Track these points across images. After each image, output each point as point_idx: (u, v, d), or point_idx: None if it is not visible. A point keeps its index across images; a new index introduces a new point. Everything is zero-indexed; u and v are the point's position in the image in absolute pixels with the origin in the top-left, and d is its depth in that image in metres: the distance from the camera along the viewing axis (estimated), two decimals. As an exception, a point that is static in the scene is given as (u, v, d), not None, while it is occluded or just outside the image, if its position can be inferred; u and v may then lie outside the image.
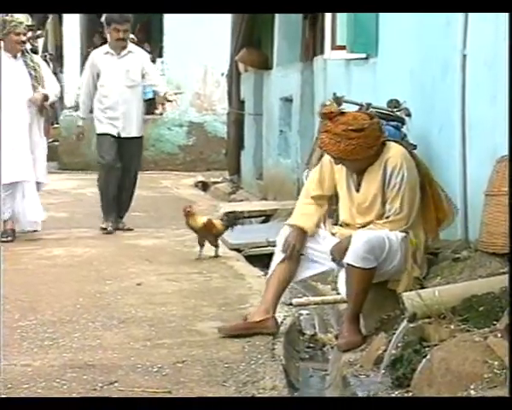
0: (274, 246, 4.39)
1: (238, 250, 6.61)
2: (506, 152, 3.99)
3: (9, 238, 7.01)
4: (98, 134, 7.64)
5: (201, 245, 6.22)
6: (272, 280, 4.22)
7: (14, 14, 7.17)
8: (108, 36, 7.72)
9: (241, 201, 9.56)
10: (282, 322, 4.37)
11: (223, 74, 12.70)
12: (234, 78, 11.24)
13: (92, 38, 14.21)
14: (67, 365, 3.81)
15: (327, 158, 4.19)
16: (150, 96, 8.12)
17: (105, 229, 7.40)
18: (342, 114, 4.08)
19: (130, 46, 7.69)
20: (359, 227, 4.04)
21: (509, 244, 3.39)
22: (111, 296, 5.12)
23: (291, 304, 4.77)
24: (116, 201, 7.61)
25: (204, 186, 11.54)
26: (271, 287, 4.21)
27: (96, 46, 12.93)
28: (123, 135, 7.54)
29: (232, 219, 6.53)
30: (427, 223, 4.15)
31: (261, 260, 6.00)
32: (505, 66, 4.20)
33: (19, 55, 7.15)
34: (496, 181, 3.90)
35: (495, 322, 3.10)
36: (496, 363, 2.80)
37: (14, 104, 6.96)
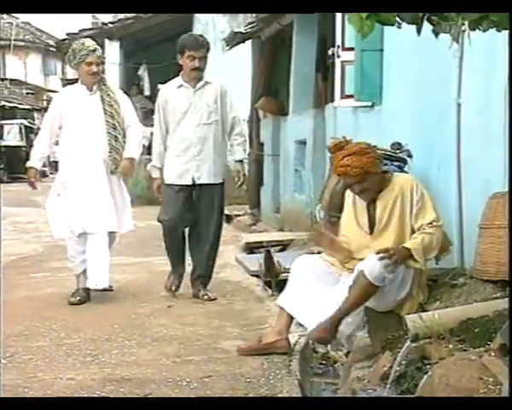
0: (289, 273, 4.37)
1: (258, 276, 6.59)
2: (498, 189, 3.99)
3: (79, 299, 5.50)
4: (167, 185, 5.70)
5: None
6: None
7: (85, 41, 5.65)
8: (183, 65, 5.73)
9: (261, 232, 9.55)
10: (296, 341, 4.35)
11: (244, 120, 12.76)
12: (254, 123, 11.31)
13: (130, 90, 14.31)
14: (106, 379, 3.81)
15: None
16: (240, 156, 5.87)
17: (169, 289, 5.77)
18: (347, 142, 4.09)
19: (208, 76, 5.77)
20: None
21: (508, 268, 3.36)
22: (145, 317, 5.12)
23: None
24: (195, 265, 5.78)
25: (227, 219, 11.53)
26: (285, 310, 4.17)
27: (134, 96, 12.94)
28: (198, 182, 5.64)
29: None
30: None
31: (279, 285, 5.98)
32: (496, 112, 4.22)
33: (94, 87, 5.61)
34: (489, 215, 3.88)
35: (489, 342, 3.06)
36: (490, 380, 2.76)
37: (86, 145, 5.58)
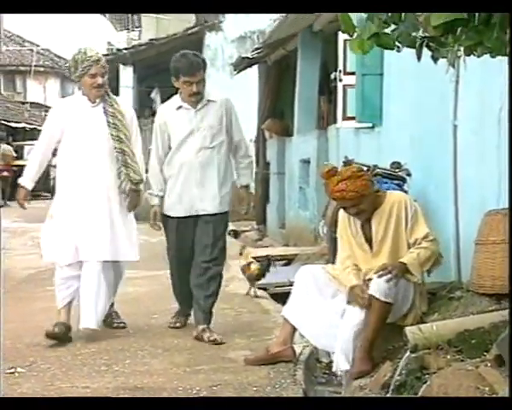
0: (293, 286, 4.35)
1: (264, 289, 6.58)
2: (492, 206, 3.98)
3: (59, 333, 4.63)
4: (166, 216, 4.89)
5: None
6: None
7: (87, 50, 4.77)
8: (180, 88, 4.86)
9: (267, 246, 9.53)
10: (301, 352, 4.32)
11: (251, 140, 12.80)
12: (261, 143, 11.35)
13: (143, 112, 14.34)
14: (120, 387, 3.80)
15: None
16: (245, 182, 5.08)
17: (174, 327, 5.06)
18: (336, 169, 4.05)
19: (210, 93, 4.87)
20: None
21: (509, 281, 3.32)
22: (157, 328, 5.10)
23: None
24: (199, 300, 4.83)
25: (235, 234, 11.51)
26: (289, 321, 4.15)
27: (147, 117, 12.92)
28: (202, 212, 4.81)
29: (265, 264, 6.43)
30: None
31: (284, 297, 5.96)
32: (490, 133, 4.21)
33: (98, 100, 4.81)
34: (484, 231, 3.87)
35: (485, 353, 3.05)
36: (487, 389, 2.75)
37: (86, 162, 4.76)
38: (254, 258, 6.84)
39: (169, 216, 4.90)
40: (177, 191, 4.84)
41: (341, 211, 4.16)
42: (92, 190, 4.77)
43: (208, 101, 4.83)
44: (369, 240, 4.05)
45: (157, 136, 4.88)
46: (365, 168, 5.14)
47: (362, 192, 3.91)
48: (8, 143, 21.82)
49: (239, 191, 5.03)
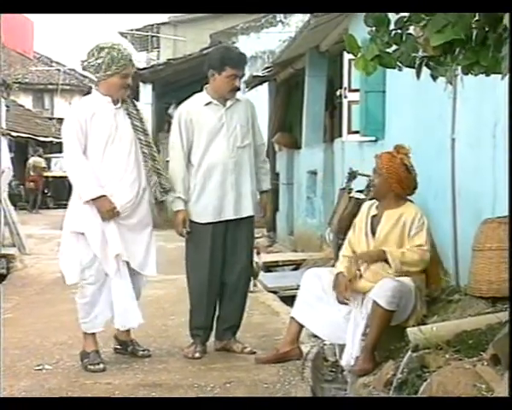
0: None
1: (274, 292, 6.56)
2: (488, 215, 3.96)
3: (101, 366, 4.05)
4: (196, 223, 4.22)
5: None
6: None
7: (121, 48, 4.13)
8: (212, 82, 4.25)
9: (276, 252, 9.52)
10: (309, 351, 4.31)
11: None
12: (270, 155, 11.32)
13: (162, 126, 14.37)
14: (140, 384, 3.80)
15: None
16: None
17: (193, 357, 4.24)
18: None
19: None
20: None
21: (509, 284, 3.28)
22: (174, 329, 5.09)
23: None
24: (225, 314, 4.38)
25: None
26: (295, 321, 4.14)
27: (165, 131, 12.89)
28: (234, 216, 4.26)
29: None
30: (431, 277, 4.02)
31: (292, 300, 5.94)
32: (486, 147, 4.20)
33: (120, 101, 4.13)
34: (480, 239, 3.85)
35: (482, 353, 3.03)
36: (483, 386, 2.73)
37: (114, 169, 4.05)
38: (264, 263, 6.88)
39: (197, 222, 4.23)
40: (208, 195, 4.21)
41: (364, 205, 4.19)
42: (122, 200, 4.07)
43: (236, 99, 4.29)
44: (374, 232, 4.03)
45: (181, 134, 4.20)
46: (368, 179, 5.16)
47: (400, 175, 3.95)
48: (39, 156, 22.12)
49: (260, 197, 4.48)
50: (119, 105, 4.12)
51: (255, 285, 6.31)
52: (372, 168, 4.17)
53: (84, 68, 4.17)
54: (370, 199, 4.28)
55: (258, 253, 6.64)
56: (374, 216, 4.06)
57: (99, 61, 4.06)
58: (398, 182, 3.96)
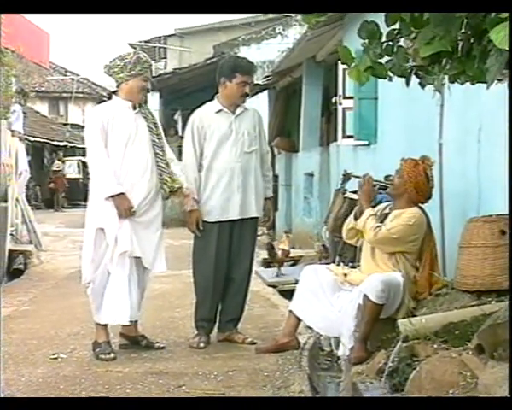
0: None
1: (274, 286, 6.57)
2: (473, 214, 3.96)
3: (112, 355, 4.05)
4: (206, 222, 4.29)
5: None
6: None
7: (140, 54, 4.16)
8: (223, 90, 4.32)
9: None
10: (306, 342, 4.31)
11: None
12: (270, 158, 11.33)
13: (168, 131, 14.36)
14: (148, 372, 3.80)
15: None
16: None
17: (197, 347, 4.26)
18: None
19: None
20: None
21: (509, 279, 3.25)
22: (180, 320, 5.09)
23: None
24: (227, 307, 4.44)
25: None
26: (293, 314, 4.14)
27: (171, 136, 12.89)
28: (239, 216, 4.32)
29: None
30: (421, 279, 3.96)
31: (291, 294, 5.94)
32: (471, 151, 4.20)
33: (137, 105, 4.13)
34: (466, 236, 3.84)
35: (467, 343, 3.03)
36: (468, 374, 2.73)
37: (132, 170, 4.04)
38: (264, 259, 6.89)
39: (205, 221, 4.28)
40: (217, 196, 4.27)
41: (381, 205, 4.22)
42: (138, 199, 4.05)
43: (245, 108, 4.37)
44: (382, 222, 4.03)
45: (194, 139, 4.27)
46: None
47: (419, 183, 3.92)
48: (59, 160, 22.31)
49: (264, 203, 4.48)
50: (137, 110, 4.13)
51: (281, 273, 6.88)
52: (395, 170, 4.13)
53: (107, 71, 4.13)
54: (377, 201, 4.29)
55: (272, 247, 7.26)
56: (386, 214, 4.08)
57: (125, 60, 4.07)
58: (415, 187, 3.94)
